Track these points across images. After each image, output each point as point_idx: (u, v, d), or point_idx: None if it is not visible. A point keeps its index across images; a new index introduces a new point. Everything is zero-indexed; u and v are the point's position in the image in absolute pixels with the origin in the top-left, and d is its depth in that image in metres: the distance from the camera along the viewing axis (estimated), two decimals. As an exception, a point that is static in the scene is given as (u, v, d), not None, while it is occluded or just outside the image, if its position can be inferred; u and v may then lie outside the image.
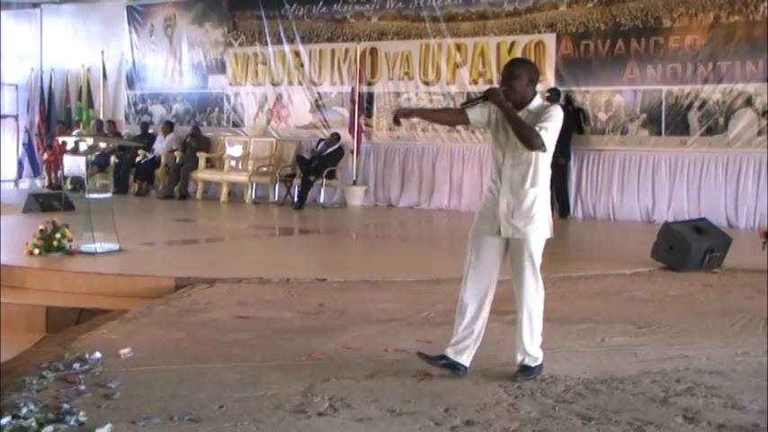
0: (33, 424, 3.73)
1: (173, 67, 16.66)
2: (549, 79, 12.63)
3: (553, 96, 12.32)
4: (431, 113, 5.05)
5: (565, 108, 12.24)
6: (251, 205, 14.44)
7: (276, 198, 14.57)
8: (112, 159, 14.78)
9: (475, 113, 4.54)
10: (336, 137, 14.06)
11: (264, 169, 14.77)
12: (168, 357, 4.97)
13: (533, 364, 4.49)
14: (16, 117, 18.44)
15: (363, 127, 14.35)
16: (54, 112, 18.10)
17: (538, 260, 4.45)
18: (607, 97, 12.32)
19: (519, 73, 4.43)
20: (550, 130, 4.34)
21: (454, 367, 4.50)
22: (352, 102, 14.23)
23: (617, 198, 12.28)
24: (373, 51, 14.33)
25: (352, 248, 10.68)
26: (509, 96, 4.40)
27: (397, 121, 4.64)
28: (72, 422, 3.77)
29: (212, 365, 4.77)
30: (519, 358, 4.51)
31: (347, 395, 4.21)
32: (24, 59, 18.37)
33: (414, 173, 13.99)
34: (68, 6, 18.11)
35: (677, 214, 11.35)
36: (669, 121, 11.86)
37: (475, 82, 13.29)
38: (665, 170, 11.91)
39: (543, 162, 4.44)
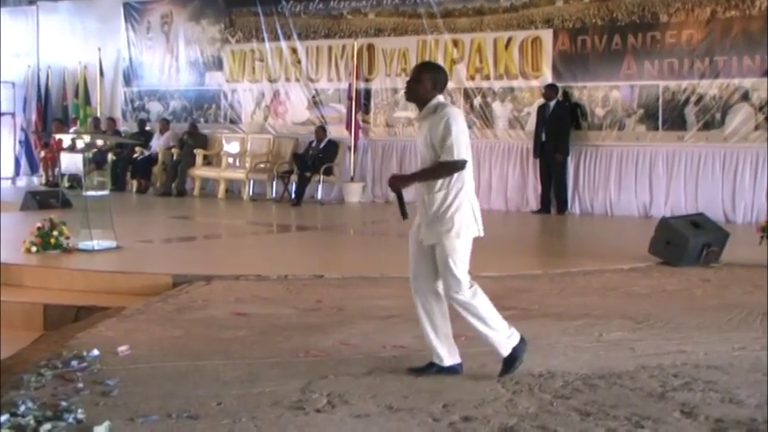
0: (31, 422, 3.73)
1: (169, 64, 16.62)
2: (546, 75, 12.64)
3: (550, 92, 12.33)
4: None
5: (562, 104, 12.39)
6: (248, 202, 14.44)
7: (274, 195, 14.55)
8: (110, 157, 14.74)
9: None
10: (322, 131, 14.03)
11: (262, 166, 14.75)
12: (166, 355, 4.98)
13: (507, 352, 4.44)
14: (13, 115, 18.39)
15: (361, 123, 14.33)
16: (51, 110, 18.04)
17: (458, 261, 4.40)
18: (604, 93, 12.31)
19: (422, 77, 4.53)
20: (451, 147, 4.35)
21: (446, 370, 4.51)
22: (350, 98, 14.21)
23: (614, 193, 12.28)
24: (370, 48, 14.32)
25: (350, 245, 10.67)
26: (413, 97, 4.54)
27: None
28: (70, 420, 3.77)
29: (210, 362, 4.78)
30: (496, 354, 4.49)
31: (345, 392, 4.21)
32: (21, 57, 18.30)
33: (411, 169, 13.80)
34: (65, 3, 18.05)
35: (674, 209, 11.35)
36: (666, 116, 11.86)
37: (472, 78, 13.28)
38: (662, 165, 11.91)
39: None
